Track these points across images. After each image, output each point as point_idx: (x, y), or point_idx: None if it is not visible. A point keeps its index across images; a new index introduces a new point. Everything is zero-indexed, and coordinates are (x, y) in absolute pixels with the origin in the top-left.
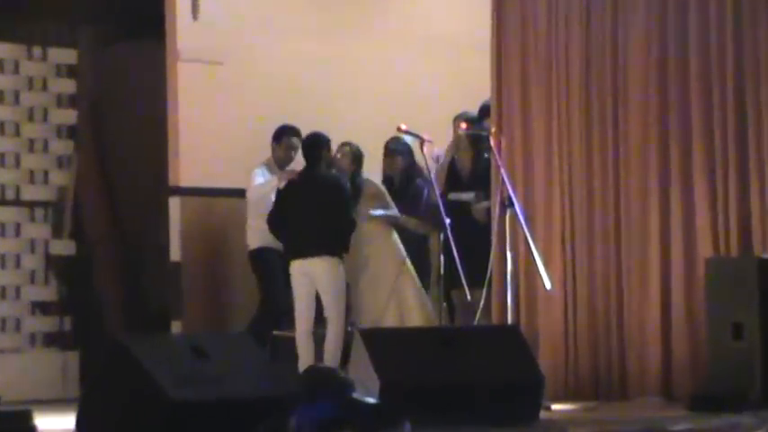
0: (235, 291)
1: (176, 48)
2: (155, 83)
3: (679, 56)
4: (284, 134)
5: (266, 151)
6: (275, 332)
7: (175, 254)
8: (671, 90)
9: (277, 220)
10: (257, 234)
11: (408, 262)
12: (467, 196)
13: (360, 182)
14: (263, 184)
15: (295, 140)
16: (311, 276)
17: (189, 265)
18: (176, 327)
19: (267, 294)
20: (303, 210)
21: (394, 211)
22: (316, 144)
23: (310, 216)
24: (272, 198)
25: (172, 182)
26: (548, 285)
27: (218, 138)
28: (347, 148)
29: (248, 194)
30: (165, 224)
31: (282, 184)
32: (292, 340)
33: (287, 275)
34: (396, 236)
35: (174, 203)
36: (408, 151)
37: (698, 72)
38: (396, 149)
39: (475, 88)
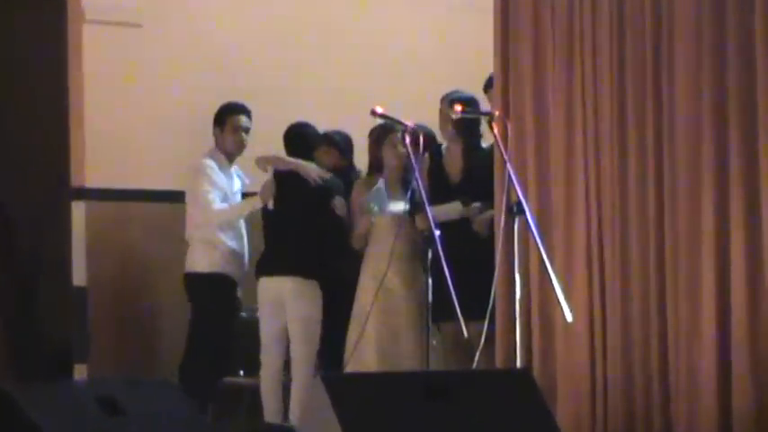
0: (158, 325)
1: (80, 6)
2: (52, 53)
3: (739, 11)
4: (228, 114)
5: (199, 142)
6: (226, 378)
7: (80, 276)
8: (730, 58)
9: None
10: (211, 254)
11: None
12: (452, 212)
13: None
14: (239, 206)
15: (244, 119)
16: (279, 300)
17: (97, 290)
18: (80, 371)
19: (211, 330)
20: (277, 217)
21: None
22: (303, 138)
23: (285, 226)
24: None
25: (75, 182)
26: (568, 317)
27: (136, 125)
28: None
29: (214, 214)
30: (67, 237)
31: (271, 203)
32: (248, 389)
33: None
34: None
35: (79, 210)
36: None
37: (765, 31)
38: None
39: (472, 57)
